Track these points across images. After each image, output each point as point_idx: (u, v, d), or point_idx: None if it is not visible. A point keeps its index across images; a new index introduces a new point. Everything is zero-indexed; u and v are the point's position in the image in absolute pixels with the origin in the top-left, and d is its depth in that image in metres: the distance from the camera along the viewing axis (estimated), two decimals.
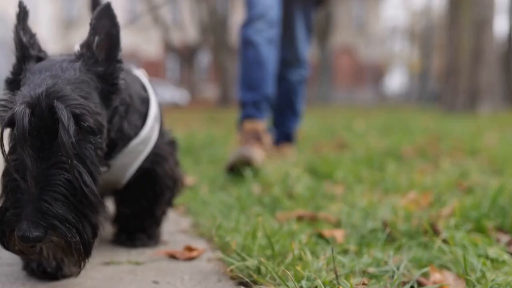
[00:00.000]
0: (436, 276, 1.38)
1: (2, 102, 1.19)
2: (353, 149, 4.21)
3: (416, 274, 1.36)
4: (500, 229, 1.82)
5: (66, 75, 1.25)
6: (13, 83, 1.33)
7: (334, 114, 12.88)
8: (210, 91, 32.15)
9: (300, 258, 1.42)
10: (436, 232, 1.70)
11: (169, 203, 1.77)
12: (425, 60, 38.30)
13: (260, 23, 3.03)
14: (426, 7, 40.90)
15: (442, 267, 1.46)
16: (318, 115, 11.09)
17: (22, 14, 1.34)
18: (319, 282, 1.21)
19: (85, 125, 1.20)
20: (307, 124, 6.63)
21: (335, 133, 5.98)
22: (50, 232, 1.11)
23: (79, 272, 1.30)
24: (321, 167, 3.03)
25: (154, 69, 32.53)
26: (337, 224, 1.89)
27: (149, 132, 1.58)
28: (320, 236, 1.74)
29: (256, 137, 2.99)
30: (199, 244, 1.69)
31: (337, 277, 1.26)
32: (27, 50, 1.34)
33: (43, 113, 1.15)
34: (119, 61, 1.37)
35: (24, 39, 1.34)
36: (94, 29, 1.33)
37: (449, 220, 1.86)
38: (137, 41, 30.59)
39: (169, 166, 1.69)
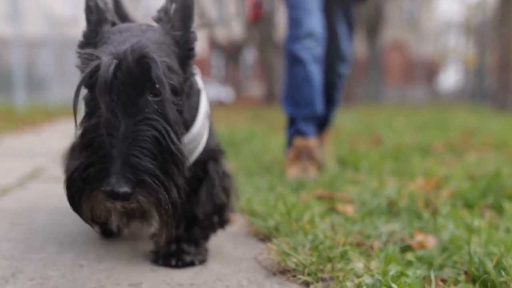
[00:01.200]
0: (419, 237, 1.80)
1: (86, 55, 1.23)
2: (385, 144, 4.60)
3: (401, 234, 1.78)
4: (490, 207, 2.21)
5: (147, 35, 1.30)
6: (87, 46, 1.36)
7: (379, 112, 13.15)
8: (255, 89, 32.65)
9: (311, 222, 1.86)
10: (430, 208, 2.12)
11: (223, 213, 1.71)
12: (481, 56, 37.70)
13: (308, 41, 3.07)
14: (481, 0, 40.26)
15: (428, 232, 1.87)
16: (362, 113, 11.41)
17: None
18: (320, 235, 1.65)
19: (171, 82, 1.25)
20: (349, 121, 7.04)
21: (373, 130, 6.36)
22: (138, 190, 1.13)
23: (167, 239, 1.31)
24: (349, 158, 3.45)
25: (199, 67, 32.75)
26: (350, 202, 2.32)
27: (201, 129, 1.56)
28: (333, 210, 2.17)
29: (309, 155, 3.06)
30: (235, 216, 2.15)
31: (335, 232, 1.70)
32: (103, 14, 1.39)
33: (130, 68, 1.19)
34: (193, 32, 1.42)
35: (100, 4, 1.39)
36: None
37: (446, 199, 2.27)
38: None
39: (221, 168, 1.68)
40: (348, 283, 1.34)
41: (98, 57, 1.20)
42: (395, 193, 2.34)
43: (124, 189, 1.10)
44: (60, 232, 1.82)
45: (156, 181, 1.16)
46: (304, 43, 3.04)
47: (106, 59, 1.17)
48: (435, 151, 4.13)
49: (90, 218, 1.21)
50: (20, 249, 1.64)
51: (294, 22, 3.11)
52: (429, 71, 38.64)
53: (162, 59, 1.23)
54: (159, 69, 1.18)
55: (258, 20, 3.42)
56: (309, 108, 3.08)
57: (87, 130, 1.19)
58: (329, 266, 1.46)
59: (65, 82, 18.92)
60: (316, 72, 3.07)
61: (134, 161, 1.13)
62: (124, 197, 1.11)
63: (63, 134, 6.31)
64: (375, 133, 5.79)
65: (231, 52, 30.22)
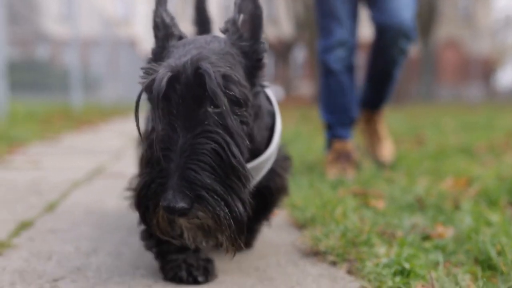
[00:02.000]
0: (439, 229, 2.07)
1: (146, 69, 1.26)
2: (428, 145, 4.84)
3: (423, 226, 2.07)
4: None
5: (211, 46, 1.31)
6: (156, 63, 1.36)
7: (429, 112, 13.22)
8: (305, 88, 32.86)
9: (343, 214, 2.16)
10: (453, 204, 2.39)
11: (269, 215, 1.84)
12: None
13: (340, 51, 3.23)
14: None
15: (449, 225, 2.15)
16: (412, 113, 11.54)
17: None
18: (350, 225, 1.95)
19: (231, 93, 1.22)
20: (395, 122, 7.25)
21: (419, 130, 6.57)
22: (196, 205, 1.13)
23: (234, 252, 1.26)
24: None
25: None
26: (382, 198, 2.60)
27: (275, 149, 1.58)
28: (366, 205, 2.47)
29: (347, 157, 3.32)
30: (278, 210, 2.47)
31: (364, 223, 2.00)
32: (169, 29, 1.42)
33: (189, 80, 1.19)
34: (263, 42, 1.42)
35: (167, 20, 1.43)
36: (239, 8, 1.40)
37: (471, 197, 2.53)
38: None
39: (282, 183, 1.72)
40: (368, 263, 1.64)
41: (156, 71, 1.22)
42: (423, 190, 2.61)
43: (181, 204, 1.11)
44: (128, 219, 2.18)
45: (215, 196, 1.14)
46: (335, 54, 3.23)
47: (161, 72, 1.19)
48: (476, 152, 4.34)
49: (161, 233, 1.23)
50: (96, 232, 2.00)
51: (326, 32, 3.28)
52: (485, 69, 38.00)
53: (220, 69, 1.22)
54: (212, 80, 1.17)
55: None
56: (344, 114, 3.34)
57: (149, 145, 1.21)
58: (354, 249, 1.76)
59: (117, 82, 19.62)
60: (348, 81, 3.29)
61: (192, 176, 1.13)
62: (181, 212, 1.12)
63: (118, 134, 6.78)
64: (420, 134, 6.01)
65: (281, 51, 30.55)
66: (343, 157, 3.34)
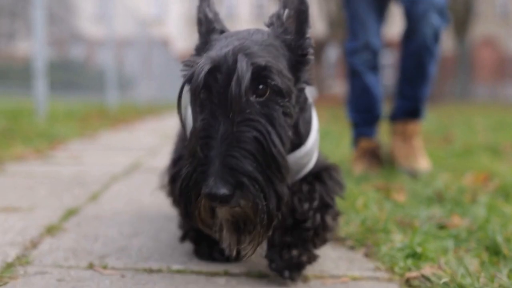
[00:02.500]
0: (455, 220, 2.23)
1: (187, 62, 1.28)
2: (455, 143, 4.96)
3: (440, 216, 2.23)
4: None
5: (253, 38, 1.31)
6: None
7: (463, 111, 13.21)
8: (338, 87, 32.86)
9: (365, 205, 2.34)
10: (471, 197, 2.54)
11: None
12: None
13: (365, 54, 3.37)
14: None
15: (465, 216, 2.30)
16: (444, 112, 11.56)
17: None
18: (370, 214, 2.13)
19: (272, 83, 1.22)
20: (425, 120, 7.32)
21: (448, 129, 6.67)
22: (238, 192, 1.12)
23: (253, 252, 1.26)
24: None
25: None
26: (403, 192, 2.76)
27: (314, 143, 1.56)
28: (388, 197, 2.63)
29: (373, 154, 3.50)
30: None
31: (383, 213, 2.17)
32: (212, 24, 1.43)
33: (230, 70, 1.19)
34: (308, 38, 1.41)
35: (210, 15, 1.44)
36: (284, 3, 1.40)
37: (490, 192, 2.68)
38: None
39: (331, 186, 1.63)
40: (383, 247, 1.81)
41: (196, 63, 1.23)
42: (443, 185, 2.77)
43: (223, 190, 1.09)
44: (164, 208, 2.39)
45: (256, 185, 1.14)
46: (360, 56, 3.37)
47: (201, 63, 1.20)
48: (503, 150, 4.45)
49: (202, 225, 1.23)
50: (136, 219, 2.21)
51: (352, 34, 3.43)
52: None
53: (262, 59, 1.22)
54: (244, 69, 1.17)
55: None
56: (369, 114, 3.51)
57: (191, 135, 1.21)
58: (371, 236, 1.94)
59: (151, 81, 19.99)
60: (373, 82, 3.43)
61: (233, 162, 1.12)
62: (223, 199, 1.10)
63: (152, 132, 7.03)
64: (449, 133, 6.12)
65: (313, 50, 30.54)
66: (369, 154, 3.51)
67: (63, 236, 1.91)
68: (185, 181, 1.18)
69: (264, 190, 1.14)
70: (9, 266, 1.54)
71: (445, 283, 1.48)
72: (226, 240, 1.22)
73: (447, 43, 27.04)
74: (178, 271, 1.59)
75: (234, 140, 1.14)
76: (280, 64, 1.28)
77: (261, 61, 1.21)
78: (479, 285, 1.45)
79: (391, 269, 1.67)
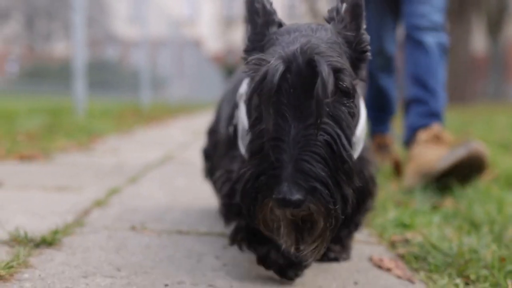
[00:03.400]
0: (447, 202, 2.55)
1: (255, 60, 1.23)
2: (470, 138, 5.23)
3: (435, 199, 2.55)
4: None
5: (318, 35, 1.28)
6: (254, 51, 1.37)
7: (491, 111, 13.33)
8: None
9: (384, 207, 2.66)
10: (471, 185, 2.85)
11: (367, 212, 1.75)
12: None
13: (378, 59, 3.54)
14: None
15: (460, 200, 2.60)
16: (471, 111, 11.74)
17: None
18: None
19: (343, 85, 1.20)
20: (448, 119, 7.58)
21: (468, 126, 6.93)
22: (309, 197, 1.10)
23: (315, 256, 1.25)
24: None
25: None
26: None
27: (362, 132, 1.51)
28: (394, 183, 2.95)
29: (386, 149, 3.79)
30: None
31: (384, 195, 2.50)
32: (271, 16, 1.38)
33: (300, 69, 1.17)
34: (364, 33, 1.38)
35: (268, 6, 1.38)
36: None
37: (488, 180, 2.99)
38: None
39: (373, 172, 1.65)
40: (378, 219, 2.15)
41: (267, 62, 1.20)
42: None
43: (296, 196, 1.08)
44: (193, 192, 2.76)
45: (327, 190, 1.12)
46: (375, 61, 3.55)
47: (273, 64, 1.17)
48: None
49: (264, 227, 1.21)
50: (169, 198, 2.58)
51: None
52: None
53: (334, 60, 1.19)
54: (327, 72, 1.14)
55: None
56: (383, 112, 3.80)
57: (256, 136, 1.20)
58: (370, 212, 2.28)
59: (183, 81, 20.48)
60: (387, 85, 3.68)
61: (306, 167, 1.11)
62: (296, 204, 1.09)
63: (183, 129, 7.45)
64: (467, 130, 6.38)
65: None
66: (382, 149, 3.84)
67: (108, 208, 2.29)
68: (250, 182, 1.17)
69: (334, 195, 1.13)
70: (68, 227, 1.92)
71: (420, 243, 1.82)
72: (286, 242, 1.21)
73: (480, 43, 26.96)
74: (204, 233, 1.95)
75: (306, 144, 1.13)
76: (346, 63, 1.26)
77: (337, 63, 1.19)
78: (450, 245, 1.77)
79: (381, 235, 2.01)
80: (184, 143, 5.40)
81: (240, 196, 1.20)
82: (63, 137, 4.99)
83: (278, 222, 1.18)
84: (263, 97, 1.17)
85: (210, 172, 2.07)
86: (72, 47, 7.82)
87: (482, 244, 1.77)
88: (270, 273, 1.49)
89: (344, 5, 1.37)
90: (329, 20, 1.38)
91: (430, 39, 3.15)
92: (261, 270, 1.52)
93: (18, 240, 1.69)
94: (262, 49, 1.34)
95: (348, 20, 1.37)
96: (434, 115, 3.12)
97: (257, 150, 1.18)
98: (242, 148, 1.54)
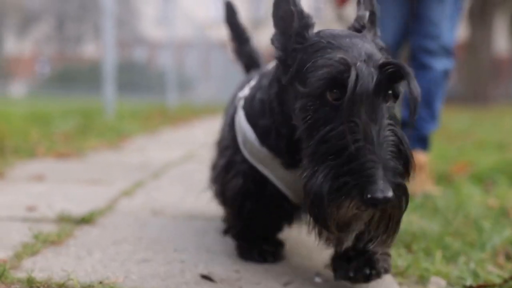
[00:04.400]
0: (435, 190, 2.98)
1: (339, 59, 1.25)
2: (470, 139, 5.63)
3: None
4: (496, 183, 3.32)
5: (367, 43, 1.33)
6: (295, 52, 1.40)
7: (502, 112, 13.56)
8: None
9: None
10: (449, 180, 3.27)
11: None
12: None
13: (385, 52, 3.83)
14: None
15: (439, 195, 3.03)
16: (484, 113, 12.00)
17: None
18: None
19: (398, 90, 1.27)
20: (456, 120, 7.96)
21: (474, 128, 7.29)
22: (396, 193, 1.16)
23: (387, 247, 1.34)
24: None
25: None
26: None
27: None
28: None
29: None
30: None
31: None
32: (310, 19, 1.41)
33: (370, 74, 1.21)
34: (379, 39, 1.46)
35: (304, 9, 1.41)
36: (364, 4, 1.47)
37: (463, 176, 3.41)
38: None
39: None
40: None
41: (347, 64, 1.23)
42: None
43: (389, 193, 1.13)
44: (205, 183, 3.22)
45: (403, 189, 1.20)
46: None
47: (365, 69, 1.22)
48: (507, 147, 5.11)
49: (337, 228, 1.23)
50: (186, 188, 3.05)
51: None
52: None
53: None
54: (413, 79, 1.22)
55: (344, 3, 3.59)
56: None
57: (330, 137, 1.23)
58: None
59: (209, 83, 20.99)
60: None
61: (391, 165, 1.17)
62: (388, 201, 1.14)
63: (207, 130, 7.94)
64: (472, 131, 6.76)
65: None
66: None
67: (134, 197, 2.77)
68: (329, 183, 1.19)
69: (406, 192, 1.21)
70: (101, 211, 2.40)
71: None
72: (360, 239, 1.31)
73: (502, 45, 26.93)
74: (210, 217, 2.41)
75: (387, 144, 1.19)
76: None
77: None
78: (405, 227, 2.20)
79: None
80: (206, 143, 5.88)
81: (313, 199, 1.21)
82: (94, 137, 5.51)
83: (353, 221, 1.22)
84: (356, 99, 1.20)
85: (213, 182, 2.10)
86: (101, 49, 8.34)
87: (431, 225, 2.20)
88: None
89: (367, 13, 1.47)
90: (360, 28, 1.45)
91: (438, 65, 3.10)
92: None
93: (63, 219, 2.19)
94: (305, 51, 1.36)
95: (370, 28, 1.47)
96: (422, 140, 3.15)
97: (333, 152, 1.20)
98: (246, 153, 1.69)
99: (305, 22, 1.40)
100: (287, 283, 1.58)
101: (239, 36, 2.39)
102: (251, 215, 1.73)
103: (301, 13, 1.41)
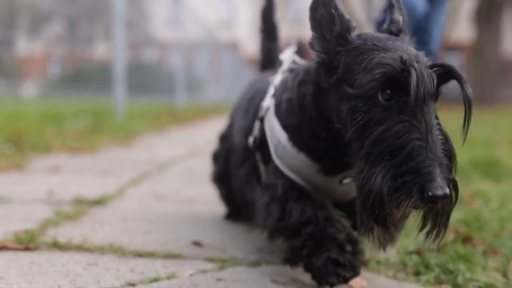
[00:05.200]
0: None
1: (397, 57, 1.29)
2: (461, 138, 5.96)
3: None
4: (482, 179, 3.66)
5: (407, 43, 1.40)
6: (339, 55, 1.42)
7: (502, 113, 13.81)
8: None
9: None
10: None
11: None
12: None
13: None
14: None
15: None
16: (486, 115, 12.28)
17: None
18: None
19: (443, 90, 1.33)
20: (454, 121, 8.26)
21: (470, 128, 7.60)
22: (451, 189, 1.23)
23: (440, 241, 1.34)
24: None
25: None
26: None
27: None
28: None
29: None
30: None
31: None
32: (352, 23, 1.44)
33: (423, 76, 1.25)
34: None
35: (345, 13, 1.44)
36: (398, 8, 1.52)
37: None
38: None
39: None
40: None
41: (404, 63, 1.27)
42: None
43: (447, 190, 1.19)
44: (207, 176, 3.60)
45: (456, 181, 1.26)
46: None
47: (422, 68, 1.26)
48: (495, 144, 5.45)
49: (393, 226, 1.27)
50: (187, 182, 3.43)
51: None
52: None
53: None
54: (466, 81, 1.27)
55: None
56: None
57: (386, 137, 1.26)
58: None
59: (219, 83, 21.38)
60: None
61: (445, 163, 1.23)
62: (446, 197, 1.20)
63: (213, 128, 8.32)
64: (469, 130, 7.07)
65: None
66: None
67: (140, 186, 3.16)
68: (388, 183, 1.22)
69: (457, 186, 1.27)
70: (111, 196, 2.79)
71: None
72: (398, 239, 1.35)
73: (509, 46, 27.09)
74: (206, 201, 2.79)
75: (440, 143, 1.25)
76: None
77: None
78: None
79: None
80: (210, 141, 6.27)
81: (373, 200, 1.24)
82: (105, 135, 5.91)
83: (406, 219, 1.29)
84: (420, 99, 1.25)
85: (219, 176, 2.33)
86: (112, 51, 8.71)
87: None
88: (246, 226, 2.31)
89: (401, 18, 1.53)
90: (398, 32, 1.50)
91: None
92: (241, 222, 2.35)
93: (79, 201, 2.58)
94: (349, 54, 1.40)
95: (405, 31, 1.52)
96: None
97: (390, 152, 1.24)
98: (278, 161, 1.67)
99: (347, 25, 1.44)
100: (262, 248, 1.95)
101: (268, 31, 2.38)
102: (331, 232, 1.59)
103: (342, 16, 1.44)
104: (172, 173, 3.76)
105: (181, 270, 1.67)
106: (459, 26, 26.40)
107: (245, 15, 37.05)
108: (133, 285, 1.53)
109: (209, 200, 2.79)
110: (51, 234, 2.00)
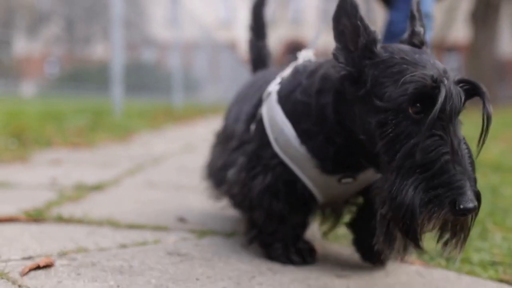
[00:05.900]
0: None
1: (428, 75, 1.30)
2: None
3: None
4: None
5: (432, 57, 1.42)
6: (367, 68, 1.43)
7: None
8: None
9: None
10: None
11: None
12: None
13: None
14: None
15: None
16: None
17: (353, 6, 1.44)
18: None
19: (467, 106, 1.35)
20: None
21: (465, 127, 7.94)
22: (477, 202, 1.27)
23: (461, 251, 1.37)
24: None
25: None
26: None
27: None
28: None
29: None
30: None
31: None
32: (376, 35, 1.44)
33: (452, 90, 1.29)
34: None
35: (371, 25, 1.45)
36: (419, 20, 1.54)
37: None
38: None
39: None
40: None
41: (435, 80, 1.30)
42: None
43: (476, 202, 1.25)
44: (200, 170, 3.94)
45: (480, 193, 1.30)
46: None
47: (451, 86, 1.30)
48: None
49: (420, 238, 1.31)
50: (178, 173, 3.77)
51: None
52: None
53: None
54: (488, 99, 1.33)
55: None
56: None
57: (417, 151, 1.28)
58: None
59: (218, 83, 21.69)
60: None
61: (473, 176, 1.29)
62: (475, 209, 1.26)
63: (208, 127, 8.66)
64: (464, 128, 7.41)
65: None
66: None
67: (135, 176, 3.50)
68: (419, 197, 1.26)
69: (481, 198, 1.31)
70: (108, 183, 3.13)
71: None
72: (409, 248, 1.37)
73: (505, 47, 27.35)
74: (194, 188, 3.13)
75: (467, 157, 1.30)
76: None
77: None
78: None
79: None
80: (205, 138, 6.61)
81: (405, 212, 1.27)
82: (104, 133, 6.26)
83: (434, 228, 1.32)
84: (449, 115, 1.28)
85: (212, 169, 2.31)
86: (110, 50, 9.01)
87: None
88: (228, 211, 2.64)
89: (422, 30, 1.53)
90: (420, 44, 1.50)
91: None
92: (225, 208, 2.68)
93: (79, 187, 2.93)
94: (376, 67, 1.41)
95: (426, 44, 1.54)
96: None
97: (424, 165, 1.27)
98: (277, 147, 1.71)
99: (373, 37, 1.44)
100: (239, 222, 2.29)
101: (258, 28, 2.42)
102: (283, 214, 1.74)
103: (367, 28, 1.44)
104: (166, 165, 4.10)
105: (166, 237, 2.02)
106: (457, 27, 26.76)
107: (243, 15, 37.24)
108: (125, 246, 1.87)
109: (198, 189, 3.12)
110: (56, 211, 2.34)
